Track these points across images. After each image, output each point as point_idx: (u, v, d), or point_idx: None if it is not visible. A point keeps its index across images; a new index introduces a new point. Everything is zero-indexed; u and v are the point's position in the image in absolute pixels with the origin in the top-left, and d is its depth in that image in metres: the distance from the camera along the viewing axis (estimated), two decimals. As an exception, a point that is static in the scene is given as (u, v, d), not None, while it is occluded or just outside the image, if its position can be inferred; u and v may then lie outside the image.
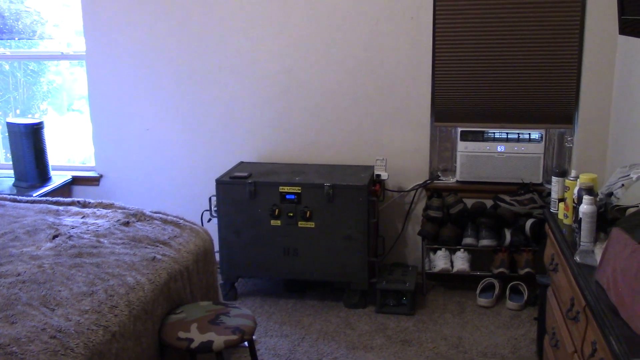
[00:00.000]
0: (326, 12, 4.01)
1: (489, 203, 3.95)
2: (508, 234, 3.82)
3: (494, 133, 4.01)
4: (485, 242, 3.83)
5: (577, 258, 2.17)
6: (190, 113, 4.30)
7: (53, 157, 4.56)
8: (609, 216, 2.33)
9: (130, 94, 4.35)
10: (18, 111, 4.82)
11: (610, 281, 1.86)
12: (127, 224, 3.08)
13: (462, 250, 3.91)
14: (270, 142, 4.25)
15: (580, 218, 2.21)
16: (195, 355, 2.79)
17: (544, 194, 3.83)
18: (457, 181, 4.08)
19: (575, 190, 2.41)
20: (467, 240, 3.86)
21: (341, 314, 3.75)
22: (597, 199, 2.32)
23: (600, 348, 1.78)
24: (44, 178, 4.37)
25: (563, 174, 2.69)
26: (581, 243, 2.21)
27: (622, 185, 2.43)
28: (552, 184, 2.72)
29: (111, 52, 4.30)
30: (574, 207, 2.44)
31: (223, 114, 4.27)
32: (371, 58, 4.02)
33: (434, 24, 3.91)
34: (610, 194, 2.47)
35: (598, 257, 2.06)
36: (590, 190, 2.27)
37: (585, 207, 2.20)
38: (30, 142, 4.27)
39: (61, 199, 3.54)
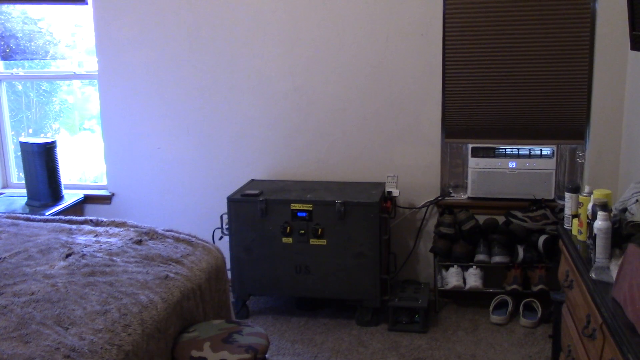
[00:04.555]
0: (336, 30, 4.04)
1: (500, 219, 3.94)
2: (521, 251, 3.79)
3: (505, 149, 4.00)
4: (497, 259, 3.80)
5: (593, 275, 2.15)
6: (202, 131, 4.33)
7: (65, 175, 4.59)
8: (623, 232, 2.31)
9: (142, 113, 4.38)
10: (31, 130, 4.86)
11: (627, 298, 1.84)
12: (139, 242, 3.09)
13: (474, 267, 3.89)
14: (281, 160, 4.27)
15: (595, 234, 2.19)
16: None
17: (556, 209, 3.81)
18: (469, 197, 4.07)
19: (589, 206, 2.40)
20: (480, 257, 3.83)
21: (353, 332, 3.73)
22: (612, 215, 2.31)
23: (618, 366, 1.76)
24: (57, 197, 4.39)
25: (576, 189, 2.67)
26: (596, 259, 2.19)
27: (637, 200, 2.42)
28: (566, 200, 2.70)
29: (123, 71, 4.34)
30: (588, 223, 2.42)
31: (234, 132, 4.29)
32: (381, 75, 4.04)
33: (444, 40, 3.92)
34: (625, 210, 2.45)
35: (614, 274, 2.04)
36: (604, 206, 2.25)
37: (599, 223, 2.18)
38: (42, 161, 4.29)
39: (74, 217, 3.55)
